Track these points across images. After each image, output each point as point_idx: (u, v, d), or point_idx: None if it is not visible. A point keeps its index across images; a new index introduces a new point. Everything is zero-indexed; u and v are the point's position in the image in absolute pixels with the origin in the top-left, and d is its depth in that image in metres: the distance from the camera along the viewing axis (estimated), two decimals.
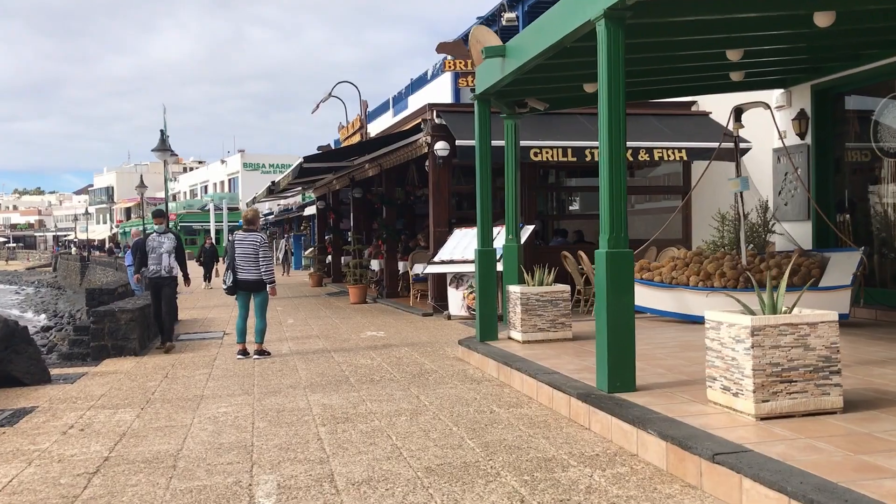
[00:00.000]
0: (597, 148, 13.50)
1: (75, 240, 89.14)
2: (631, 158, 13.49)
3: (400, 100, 34.40)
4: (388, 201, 18.01)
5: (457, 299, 13.42)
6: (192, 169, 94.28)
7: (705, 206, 14.23)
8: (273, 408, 6.84)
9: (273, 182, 18.33)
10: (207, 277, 25.49)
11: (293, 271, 34.16)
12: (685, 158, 14.27)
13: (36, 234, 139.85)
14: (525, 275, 9.15)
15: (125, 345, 10.66)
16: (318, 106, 23.42)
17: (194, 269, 31.71)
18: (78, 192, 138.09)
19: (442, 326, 12.64)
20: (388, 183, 18.27)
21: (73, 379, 8.79)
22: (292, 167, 14.68)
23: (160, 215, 12.01)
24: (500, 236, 13.59)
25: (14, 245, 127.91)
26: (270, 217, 45.01)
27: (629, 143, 13.80)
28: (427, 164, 14.84)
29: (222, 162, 77.62)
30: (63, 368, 9.77)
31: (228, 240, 21.88)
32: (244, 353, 9.96)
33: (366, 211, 23.46)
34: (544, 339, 8.73)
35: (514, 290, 8.93)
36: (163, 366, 9.58)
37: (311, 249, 32.51)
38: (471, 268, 13.01)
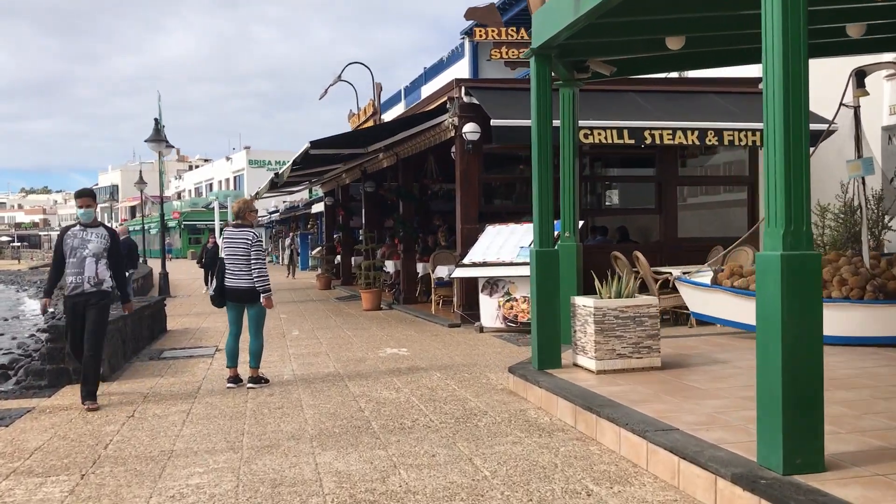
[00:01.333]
0: (660, 129, 11.52)
1: None
2: (696, 142, 11.40)
3: (413, 90, 32.38)
4: (406, 195, 15.96)
5: (490, 308, 11.36)
6: (197, 167, 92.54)
7: None
8: (267, 478, 4.80)
9: (276, 174, 16.32)
10: (208, 280, 23.43)
11: (300, 272, 32.12)
12: (759, 143, 12.16)
13: (41, 233, 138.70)
14: (597, 283, 7.07)
15: None
16: (326, 91, 21.41)
17: (195, 271, 29.72)
18: None
19: (475, 341, 10.59)
20: (405, 174, 16.21)
21: (9, 420, 6.75)
22: (297, 154, 12.69)
23: (86, 196, 7.52)
24: (525, 235, 11.51)
25: (18, 244, 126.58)
26: (276, 215, 43.01)
27: (694, 124, 11.80)
28: (453, 150, 12.79)
29: (227, 159, 75.83)
30: (8, 401, 7.74)
31: (209, 241, 20.07)
32: (236, 379, 7.92)
33: (379, 207, 21.44)
34: (625, 369, 6.66)
35: (585, 303, 6.87)
36: (132, 398, 7.54)
37: (318, 249, 30.48)
38: (508, 271, 10.97)
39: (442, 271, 13.70)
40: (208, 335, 12.40)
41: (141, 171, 39.23)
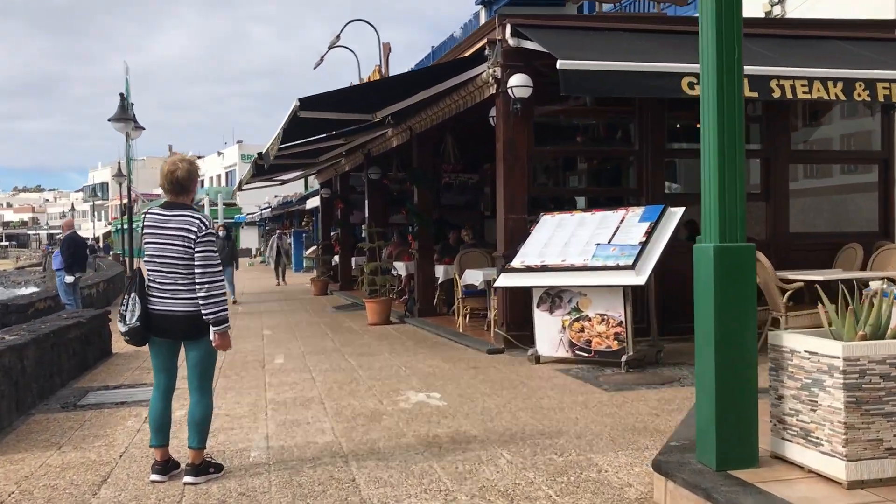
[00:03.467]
0: (792, 78, 8.20)
1: None
2: (841, 96, 8.13)
3: None
4: (423, 179, 12.68)
5: (551, 330, 8.11)
6: None
7: None
8: None
9: (259, 154, 13.07)
10: None
11: (292, 275, 28.69)
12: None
13: (29, 231, 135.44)
14: (825, 308, 3.80)
15: None
16: (322, 58, 18.14)
17: None
18: (78, 191, 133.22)
19: (535, 380, 7.34)
20: (421, 154, 12.94)
21: None
22: (284, 121, 9.44)
23: None
24: (601, 228, 8.27)
25: (7, 243, 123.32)
26: (267, 211, 39.66)
27: (838, 72, 8.54)
28: (492, 114, 9.54)
29: (219, 154, 72.65)
30: None
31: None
32: (166, 467, 4.65)
33: (385, 198, 18.17)
34: None
35: (817, 348, 3.60)
36: None
37: (312, 248, 27.19)
38: (578, 279, 7.74)
39: (473, 277, 10.44)
40: None
41: (119, 163, 35.90)
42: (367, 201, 16.95)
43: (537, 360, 8.21)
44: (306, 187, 36.42)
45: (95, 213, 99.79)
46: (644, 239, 7.65)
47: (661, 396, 6.41)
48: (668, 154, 9.68)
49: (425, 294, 12.88)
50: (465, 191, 20.88)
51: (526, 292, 8.63)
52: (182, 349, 4.65)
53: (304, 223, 34.77)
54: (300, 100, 8.78)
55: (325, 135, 13.21)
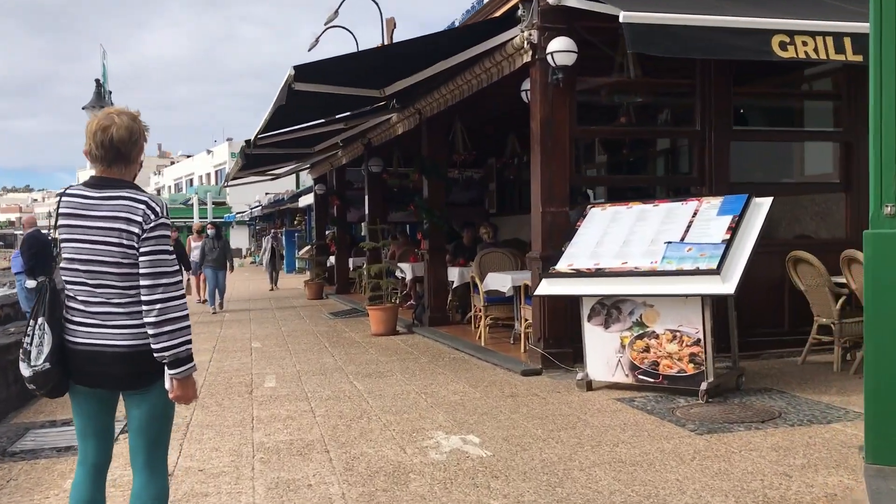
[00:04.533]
0: None
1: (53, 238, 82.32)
2: None
3: None
4: (435, 169, 11.12)
5: (606, 349, 6.57)
6: (175, 163, 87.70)
7: None
8: None
9: (247, 141, 11.51)
10: None
11: (285, 276, 27.04)
12: None
13: (17, 231, 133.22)
14: None
15: None
16: (317, 40, 16.51)
17: None
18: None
19: (593, 414, 5.79)
20: (431, 141, 11.37)
21: None
22: (276, 94, 7.86)
23: None
24: (668, 223, 6.76)
25: None
26: (258, 209, 37.99)
27: None
28: (524, 88, 8.00)
29: (208, 152, 70.82)
30: None
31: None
32: None
33: (384, 193, 16.61)
34: None
35: None
36: None
37: (306, 248, 25.59)
38: (642, 286, 6.23)
39: (498, 281, 8.89)
40: None
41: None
42: (366, 196, 15.39)
43: (588, 385, 6.66)
44: (298, 184, 34.82)
45: None
46: (727, 236, 6.12)
47: (773, 443, 4.87)
48: (736, 136, 8.12)
49: (436, 300, 11.32)
50: (470, 187, 19.38)
51: (570, 301, 7.11)
52: (121, 403, 3.07)
53: (296, 222, 33.15)
54: (295, 67, 7.20)
55: (321, 120, 11.64)
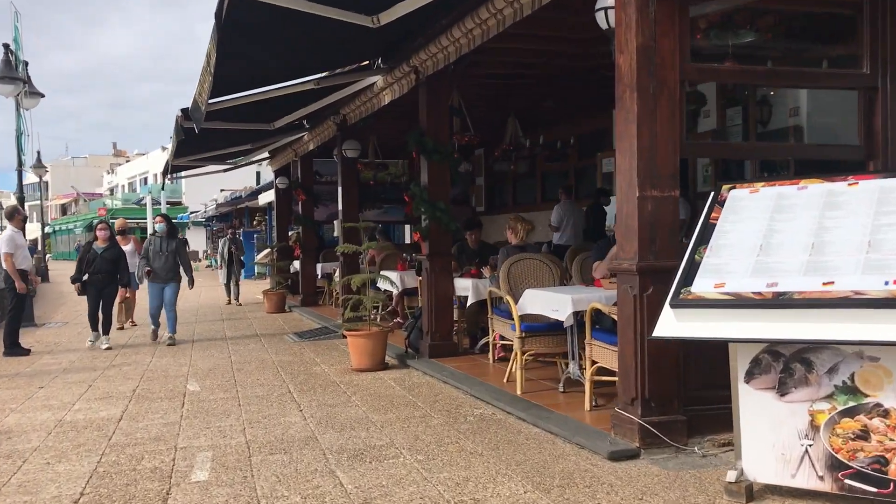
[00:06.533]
0: None
1: None
2: None
3: None
4: (437, 149, 8.26)
5: (782, 431, 3.77)
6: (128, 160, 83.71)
7: None
8: None
9: (184, 111, 8.54)
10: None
11: (242, 280, 23.70)
12: None
13: None
14: None
15: None
16: None
17: None
18: (15, 191, 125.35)
19: None
20: (431, 112, 8.47)
21: None
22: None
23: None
24: (882, 214, 3.97)
25: None
26: (213, 208, 34.66)
27: None
28: (604, 3, 5.17)
29: (163, 149, 66.97)
30: None
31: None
32: None
33: (360, 186, 13.72)
34: None
35: None
36: None
37: (266, 251, 22.54)
38: (869, 327, 3.32)
39: (543, 302, 6.05)
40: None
41: (39, 152, 30.82)
42: (339, 188, 12.45)
43: (749, 493, 3.86)
44: (259, 180, 31.70)
45: (35, 214, 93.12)
46: None
47: None
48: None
49: (440, 322, 8.46)
50: (454, 181, 16.56)
51: (696, 346, 4.32)
52: None
53: (255, 222, 29.99)
54: None
55: (286, 83, 8.72)
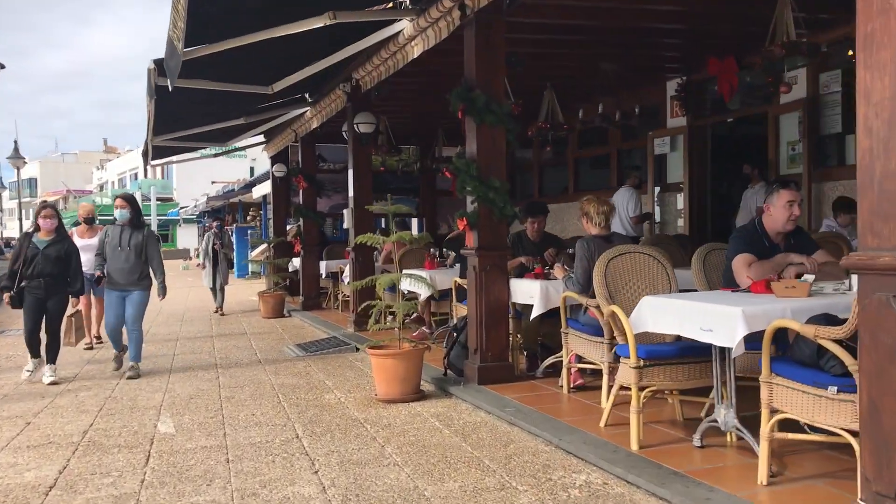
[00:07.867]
0: None
1: None
2: None
3: None
4: (490, 108, 6.24)
5: None
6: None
7: None
8: None
9: (156, 62, 6.54)
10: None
11: (235, 281, 21.65)
12: None
13: None
14: None
15: None
16: None
17: None
18: (4, 188, 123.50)
19: None
20: (482, 60, 6.43)
21: None
22: None
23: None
24: None
25: None
26: (203, 203, 32.50)
27: None
28: None
29: None
30: None
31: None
32: None
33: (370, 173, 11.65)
34: None
35: None
36: None
37: (262, 248, 20.51)
38: None
39: (679, 318, 4.06)
40: None
41: (15, 141, 28.75)
42: (350, 171, 10.41)
43: None
44: (252, 174, 29.64)
45: (24, 211, 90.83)
46: None
47: None
48: None
49: (491, 336, 6.44)
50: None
51: None
52: None
53: (249, 217, 27.93)
54: None
55: (289, 24, 6.69)
